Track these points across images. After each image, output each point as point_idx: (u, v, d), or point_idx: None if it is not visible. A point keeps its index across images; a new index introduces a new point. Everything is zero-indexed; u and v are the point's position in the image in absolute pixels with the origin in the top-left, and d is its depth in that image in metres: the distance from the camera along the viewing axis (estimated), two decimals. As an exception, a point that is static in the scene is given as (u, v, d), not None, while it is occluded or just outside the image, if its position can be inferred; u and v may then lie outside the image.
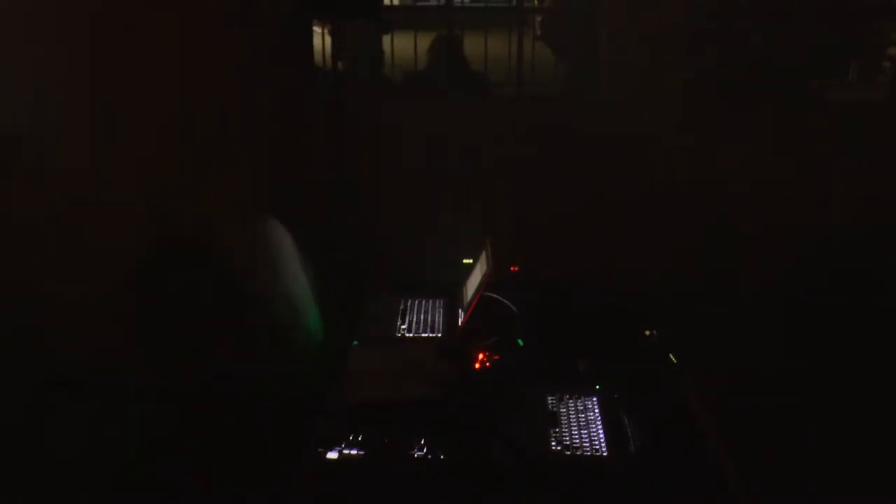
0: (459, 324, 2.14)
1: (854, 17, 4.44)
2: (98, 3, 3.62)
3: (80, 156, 3.52)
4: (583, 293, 2.35)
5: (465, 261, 2.33)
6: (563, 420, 1.78)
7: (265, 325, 1.53)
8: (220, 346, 1.54)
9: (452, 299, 2.30)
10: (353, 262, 3.73)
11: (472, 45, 4.56)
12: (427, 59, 4.44)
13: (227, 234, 1.51)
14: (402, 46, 4.56)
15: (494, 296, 2.24)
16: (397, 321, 2.23)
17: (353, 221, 3.81)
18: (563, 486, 1.61)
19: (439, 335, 2.17)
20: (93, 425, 2.53)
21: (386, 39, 4.54)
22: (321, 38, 4.26)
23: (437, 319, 2.24)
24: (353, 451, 1.65)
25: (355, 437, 1.67)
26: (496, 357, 2.00)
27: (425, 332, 2.18)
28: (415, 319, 2.24)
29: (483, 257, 2.18)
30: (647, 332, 2.04)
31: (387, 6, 4.82)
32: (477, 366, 1.98)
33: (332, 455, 1.64)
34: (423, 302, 2.32)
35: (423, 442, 1.67)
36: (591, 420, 1.78)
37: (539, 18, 5.10)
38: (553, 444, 1.71)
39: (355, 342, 2.07)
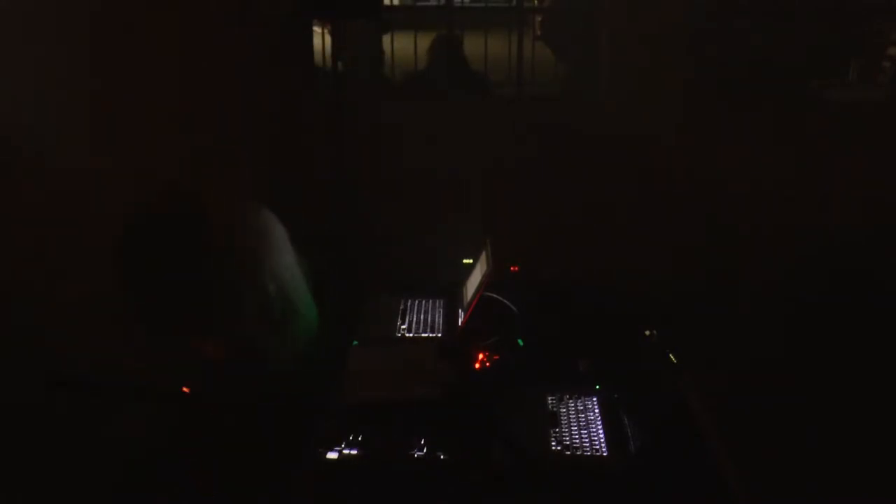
0: (459, 324, 2.14)
1: (854, 17, 4.44)
2: (98, 3, 3.62)
3: (80, 156, 3.52)
4: (583, 293, 2.35)
5: (465, 261, 2.32)
6: (563, 420, 1.78)
7: (259, 316, 1.52)
8: (217, 341, 1.54)
9: (452, 299, 2.29)
10: (353, 262, 3.73)
11: (472, 45, 4.56)
12: (427, 59, 4.44)
13: (225, 231, 1.50)
14: (402, 46, 4.56)
15: (494, 296, 2.23)
16: (397, 321, 2.22)
17: (353, 221, 3.81)
18: (563, 486, 1.61)
19: (439, 335, 2.16)
20: (93, 425, 2.54)
21: (386, 39, 4.54)
22: (321, 38, 4.26)
23: (437, 319, 2.23)
24: (353, 451, 1.64)
25: (355, 437, 1.67)
26: (496, 357, 2.00)
27: (425, 332, 2.18)
28: (415, 319, 2.23)
29: (483, 257, 2.17)
30: (647, 332, 2.04)
31: (387, 6, 4.82)
32: (477, 366, 1.98)
33: (332, 455, 1.63)
34: (423, 302, 2.31)
35: (423, 442, 1.66)
36: (591, 420, 1.77)
37: (539, 18, 5.11)
38: (553, 444, 1.71)
39: (355, 342, 2.07)
